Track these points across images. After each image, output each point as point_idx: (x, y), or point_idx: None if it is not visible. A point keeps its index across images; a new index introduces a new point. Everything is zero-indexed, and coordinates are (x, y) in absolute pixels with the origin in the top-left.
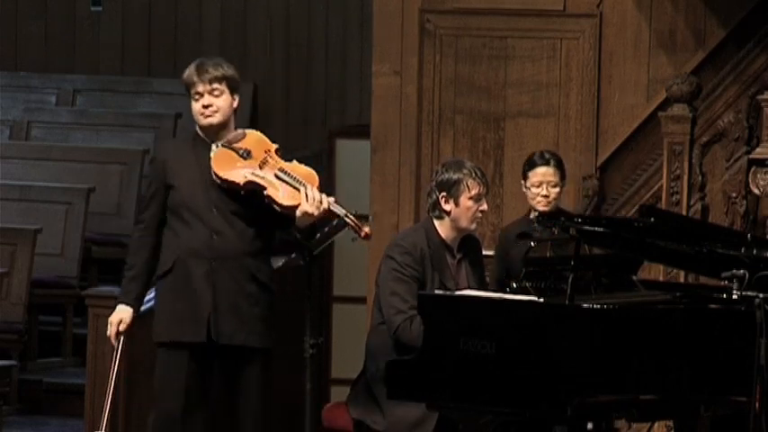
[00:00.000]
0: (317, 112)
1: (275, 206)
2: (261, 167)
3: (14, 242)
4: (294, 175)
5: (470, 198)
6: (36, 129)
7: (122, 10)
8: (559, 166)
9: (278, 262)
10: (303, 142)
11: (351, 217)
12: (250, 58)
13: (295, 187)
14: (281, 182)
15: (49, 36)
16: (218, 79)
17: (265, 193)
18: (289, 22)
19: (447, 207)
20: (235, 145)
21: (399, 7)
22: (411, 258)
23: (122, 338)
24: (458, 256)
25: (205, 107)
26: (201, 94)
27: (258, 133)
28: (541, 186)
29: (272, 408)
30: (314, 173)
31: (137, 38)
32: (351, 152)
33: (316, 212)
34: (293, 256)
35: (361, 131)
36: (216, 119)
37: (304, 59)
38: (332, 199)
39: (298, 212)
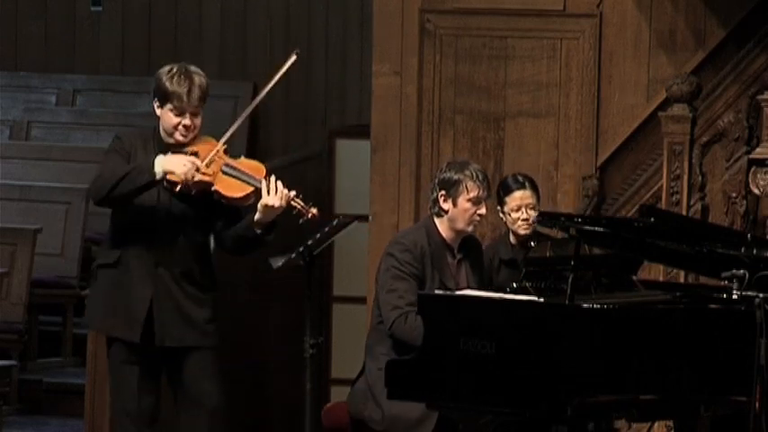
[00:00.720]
0: (317, 112)
1: (223, 200)
2: (208, 166)
3: (14, 242)
4: (241, 170)
5: (468, 200)
6: (36, 129)
7: (122, 10)
8: (534, 188)
9: (278, 262)
10: (303, 142)
11: (296, 200)
12: (250, 58)
13: (244, 180)
14: (227, 176)
15: (49, 36)
16: (204, 99)
17: (213, 188)
18: (289, 22)
19: (445, 206)
20: (183, 149)
21: (399, 7)
22: (411, 256)
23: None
24: (458, 257)
25: (186, 127)
26: (184, 112)
27: (206, 136)
28: (521, 210)
29: (272, 408)
30: (260, 165)
31: (137, 38)
32: (351, 152)
33: (279, 203)
34: (293, 256)
35: (361, 131)
36: (191, 137)
37: (304, 59)
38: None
39: (260, 206)
